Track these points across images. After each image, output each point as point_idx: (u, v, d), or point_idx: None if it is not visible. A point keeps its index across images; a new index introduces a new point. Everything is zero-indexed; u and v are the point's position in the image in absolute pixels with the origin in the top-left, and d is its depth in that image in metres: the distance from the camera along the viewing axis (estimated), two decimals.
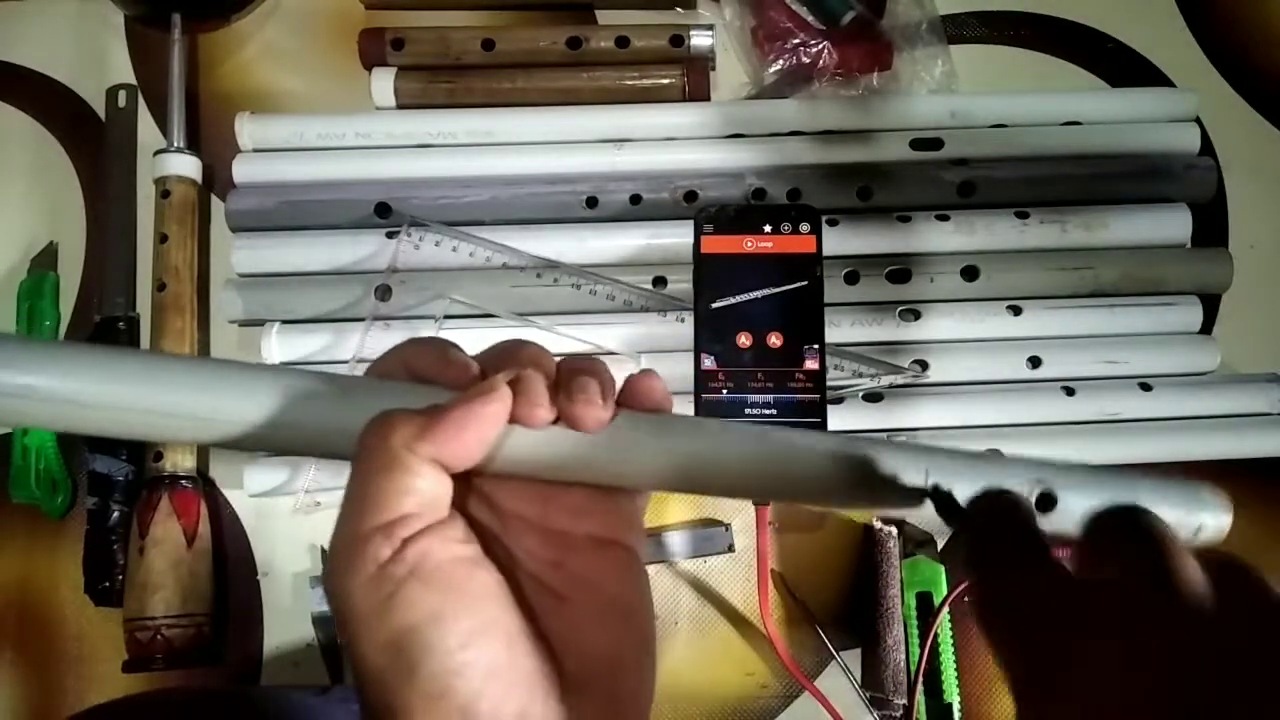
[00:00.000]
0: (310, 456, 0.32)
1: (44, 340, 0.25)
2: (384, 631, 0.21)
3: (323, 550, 0.51)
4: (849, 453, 0.26)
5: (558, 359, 0.26)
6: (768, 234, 0.47)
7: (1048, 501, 0.26)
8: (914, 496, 0.26)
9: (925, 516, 0.27)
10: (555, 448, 0.24)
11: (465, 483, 0.25)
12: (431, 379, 0.25)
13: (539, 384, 0.24)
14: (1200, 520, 0.27)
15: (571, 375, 0.25)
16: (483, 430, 0.23)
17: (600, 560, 0.25)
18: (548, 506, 0.26)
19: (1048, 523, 0.26)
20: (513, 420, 0.24)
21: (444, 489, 0.23)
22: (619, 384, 0.26)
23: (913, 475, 0.26)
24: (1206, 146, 0.56)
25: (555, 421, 0.24)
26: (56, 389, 0.23)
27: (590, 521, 0.26)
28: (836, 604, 0.51)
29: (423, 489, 0.22)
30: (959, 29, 0.59)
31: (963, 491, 0.26)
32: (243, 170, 0.54)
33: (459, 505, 0.24)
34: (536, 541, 0.26)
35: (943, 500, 0.26)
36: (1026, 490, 0.26)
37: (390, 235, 0.52)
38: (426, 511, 0.23)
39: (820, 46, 0.54)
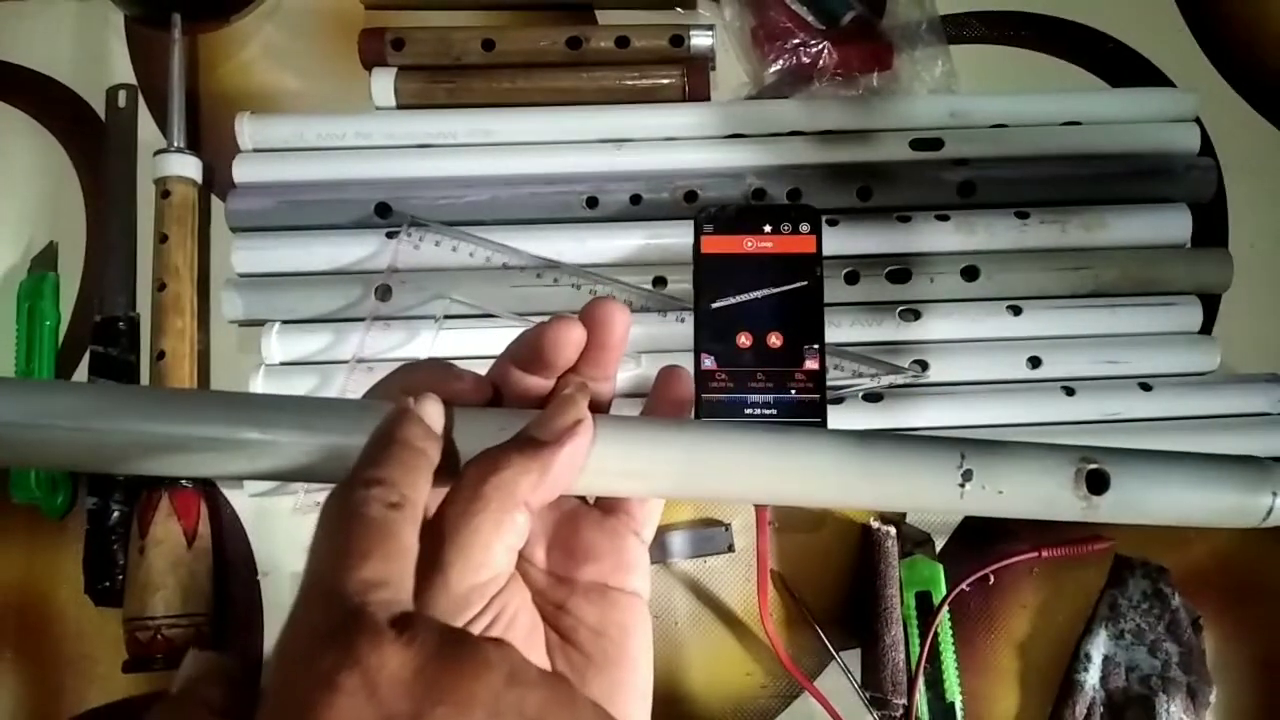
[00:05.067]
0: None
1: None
2: None
3: None
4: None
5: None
6: (768, 234, 0.47)
7: (1099, 482, 0.25)
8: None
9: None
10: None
11: None
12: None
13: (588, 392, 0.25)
14: (1269, 502, 0.26)
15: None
16: (582, 462, 0.23)
17: (603, 607, 0.25)
18: (553, 550, 0.26)
19: (1099, 508, 0.25)
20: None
21: (527, 537, 0.23)
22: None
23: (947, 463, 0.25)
24: (1206, 146, 0.56)
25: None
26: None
27: (595, 567, 0.26)
28: (836, 604, 0.51)
29: (520, 545, 0.22)
30: (959, 29, 0.59)
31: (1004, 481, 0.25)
32: (243, 170, 0.54)
33: None
34: (544, 583, 0.26)
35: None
36: (1071, 470, 0.25)
37: (390, 235, 0.52)
38: (514, 562, 0.22)
39: (820, 46, 0.54)
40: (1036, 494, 0.25)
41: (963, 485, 0.25)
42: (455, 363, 0.26)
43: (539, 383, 0.26)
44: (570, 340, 0.25)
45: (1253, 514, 0.26)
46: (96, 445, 0.23)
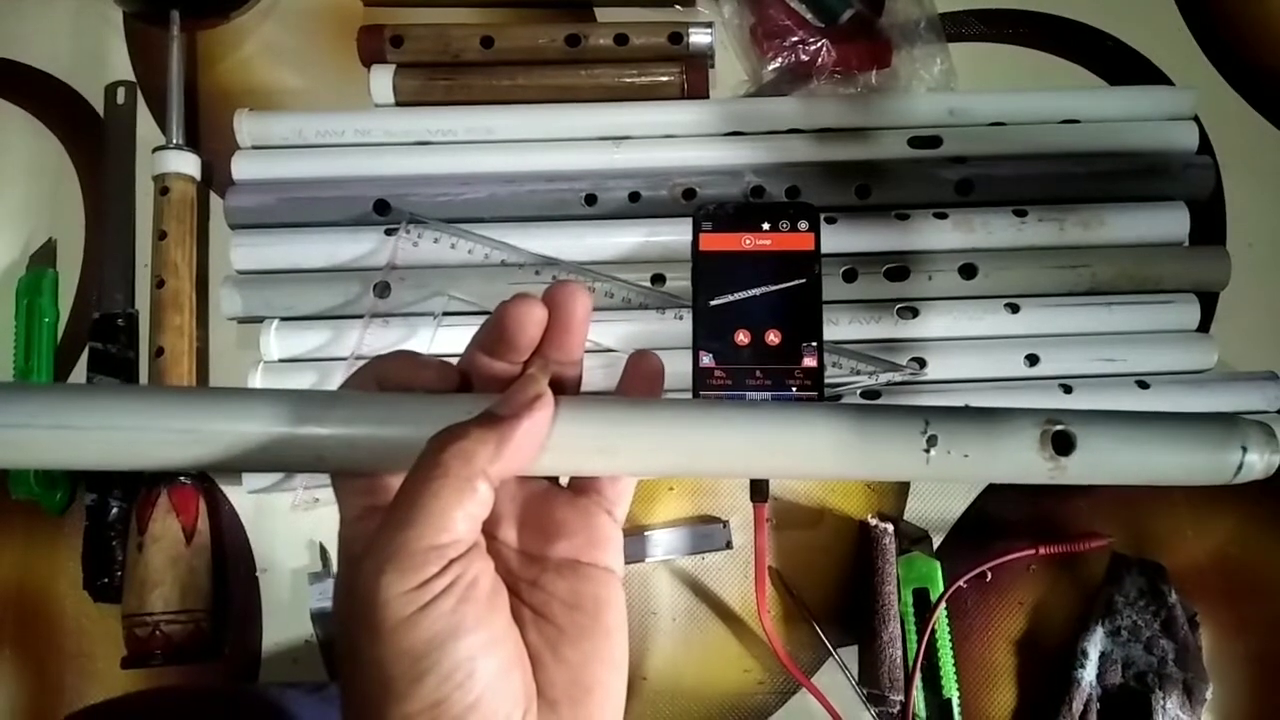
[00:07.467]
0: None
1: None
2: (407, 640, 0.21)
3: (323, 548, 0.52)
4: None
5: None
6: (766, 232, 0.47)
7: (1065, 443, 0.25)
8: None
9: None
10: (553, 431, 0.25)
11: None
12: (405, 386, 0.26)
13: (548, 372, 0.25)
14: (1239, 458, 0.25)
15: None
16: (542, 437, 0.24)
17: (575, 581, 0.26)
18: (525, 530, 0.27)
19: (1067, 469, 0.25)
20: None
21: (490, 508, 0.23)
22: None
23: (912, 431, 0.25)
24: (1205, 144, 0.56)
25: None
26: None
27: (568, 544, 0.26)
28: (833, 601, 0.51)
29: (482, 515, 0.23)
30: (958, 27, 0.59)
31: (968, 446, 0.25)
32: (242, 167, 0.54)
33: None
34: (516, 561, 0.26)
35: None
36: (1037, 432, 0.25)
37: (389, 232, 0.52)
38: (476, 531, 0.23)
39: (819, 44, 0.54)
40: (1003, 457, 0.25)
41: (928, 451, 0.25)
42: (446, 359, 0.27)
43: (505, 368, 0.27)
44: (531, 318, 0.25)
45: (1223, 470, 0.25)
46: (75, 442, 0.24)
